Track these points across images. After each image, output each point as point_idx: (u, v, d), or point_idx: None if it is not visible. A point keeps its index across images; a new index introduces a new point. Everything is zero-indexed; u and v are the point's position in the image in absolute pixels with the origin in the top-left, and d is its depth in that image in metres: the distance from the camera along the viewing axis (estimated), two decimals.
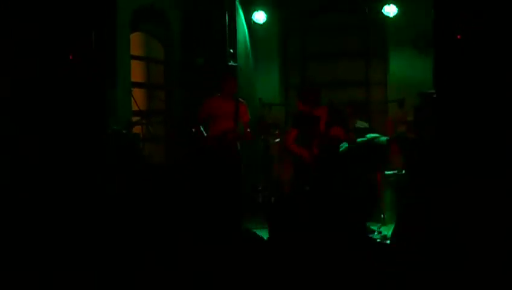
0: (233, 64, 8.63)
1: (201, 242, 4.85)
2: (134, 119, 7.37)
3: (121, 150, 6.41)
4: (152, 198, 6.46)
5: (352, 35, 9.96)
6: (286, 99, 10.14)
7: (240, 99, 6.90)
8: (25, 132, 5.74)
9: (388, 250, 4.56)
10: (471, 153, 6.12)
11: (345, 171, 6.74)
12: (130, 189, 6.28)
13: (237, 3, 9.00)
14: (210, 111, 6.70)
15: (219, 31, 8.52)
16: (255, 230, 5.42)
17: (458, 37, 6.27)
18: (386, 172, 7.62)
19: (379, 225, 7.15)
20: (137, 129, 7.39)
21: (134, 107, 7.28)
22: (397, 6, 9.09)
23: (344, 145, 6.78)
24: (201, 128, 6.74)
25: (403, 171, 7.51)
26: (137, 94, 7.69)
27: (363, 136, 7.24)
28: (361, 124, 7.81)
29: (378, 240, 6.25)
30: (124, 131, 6.66)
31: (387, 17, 9.27)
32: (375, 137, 7.35)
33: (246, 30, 9.59)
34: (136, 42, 8.08)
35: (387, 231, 6.60)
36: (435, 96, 7.36)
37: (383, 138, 7.38)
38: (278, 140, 8.30)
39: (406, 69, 9.24)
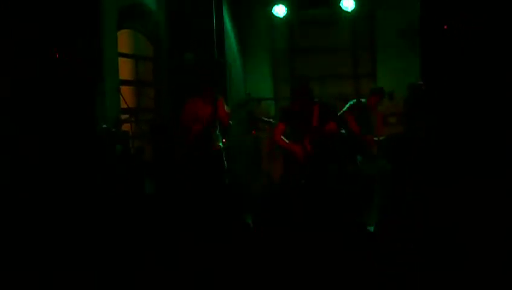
0: (222, 60, 8.62)
1: (196, 239, 4.86)
2: (123, 117, 7.34)
3: (111, 148, 6.41)
4: (145, 196, 6.48)
5: (340, 28, 9.96)
6: (275, 94, 10.14)
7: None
8: (25, 132, 5.76)
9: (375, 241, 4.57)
10: (465, 150, 6.14)
11: (341, 166, 6.75)
12: (125, 187, 6.29)
13: None
14: (192, 114, 6.64)
15: (207, 27, 8.51)
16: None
17: (445, 27, 6.29)
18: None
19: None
20: (126, 127, 7.36)
21: (123, 105, 7.25)
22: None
23: None
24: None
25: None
26: (126, 92, 7.66)
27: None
28: None
29: None
30: (113, 129, 6.64)
31: (376, 9, 9.29)
32: None
33: (233, 25, 9.59)
34: (124, 40, 8.05)
35: None
36: (424, 88, 7.38)
37: None
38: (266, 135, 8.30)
39: (394, 60, 9.24)
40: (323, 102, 6.57)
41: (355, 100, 7.31)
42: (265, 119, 8.37)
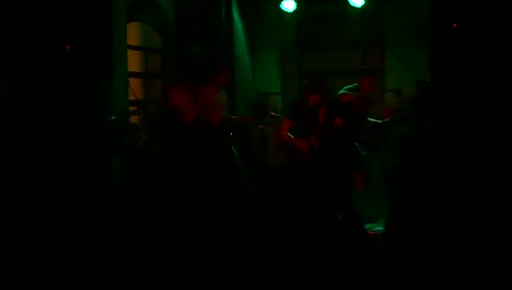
0: (231, 53, 8.62)
1: (196, 238, 4.86)
2: (132, 108, 7.37)
3: (119, 141, 6.42)
4: (152, 189, 6.46)
5: (350, 24, 9.92)
6: (283, 89, 10.12)
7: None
8: (25, 131, 5.75)
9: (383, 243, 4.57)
10: (469, 149, 6.11)
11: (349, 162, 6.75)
12: (131, 182, 6.28)
13: None
14: (203, 101, 6.67)
15: (216, 20, 8.51)
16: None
17: (454, 26, 6.26)
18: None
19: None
20: (134, 119, 7.39)
21: (131, 97, 7.27)
22: None
23: None
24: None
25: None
26: (134, 84, 7.68)
27: None
28: None
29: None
30: (121, 121, 6.66)
31: (385, 5, 9.25)
32: None
33: (242, 19, 9.57)
34: (132, 32, 8.07)
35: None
36: (431, 85, 7.36)
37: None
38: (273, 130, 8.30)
39: (404, 57, 9.21)
40: (331, 98, 6.59)
41: (344, 89, 7.24)
42: (273, 114, 8.37)
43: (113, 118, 6.51)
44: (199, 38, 8.41)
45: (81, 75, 6.01)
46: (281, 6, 9.34)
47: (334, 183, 6.06)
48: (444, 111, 6.36)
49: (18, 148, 5.70)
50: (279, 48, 10.20)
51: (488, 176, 6.03)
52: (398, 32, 9.37)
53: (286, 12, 9.49)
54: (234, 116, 7.50)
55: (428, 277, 3.95)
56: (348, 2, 9.06)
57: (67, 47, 5.99)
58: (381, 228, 6.44)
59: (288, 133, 6.33)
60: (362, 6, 9.19)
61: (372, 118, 7.57)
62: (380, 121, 7.60)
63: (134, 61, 8.10)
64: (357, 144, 7.18)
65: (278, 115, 8.28)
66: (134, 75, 7.98)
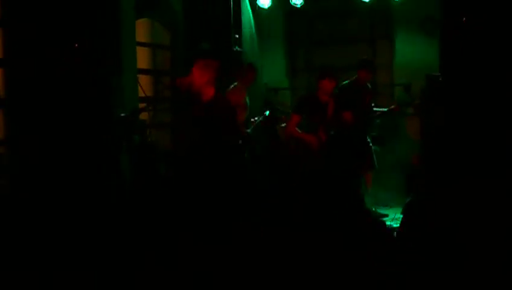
0: (239, 49, 8.62)
1: (196, 238, 4.85)
2: (141, 105, 7.38)
3: (129, 139, 6.42)
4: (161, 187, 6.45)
5: (358, 18, 9.91)
6: (292, 84, 10.12)
7: None
8: (25, 131, 5.74)
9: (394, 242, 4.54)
10: (475, 147, 6.08)
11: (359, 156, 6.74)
12: (141, 179, 6.28)
13: None
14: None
15: (224, 16, 8.50)
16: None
17: (464, 20, 6.23)
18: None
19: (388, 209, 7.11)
20: (143, 116, 7.40)
21: (141, 94, 7.29)
22: None
23: None
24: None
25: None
26: (144, 81, 7.70)
27: None
28: None
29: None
30: (131, 118, 6.67)
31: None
32: None
33: (251, 14, 9.55)
34: (141, 29, 8.08)
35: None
36: (441, 79, 7.33)
37: None
38: (284, 125, 8.29)
39: (413, 51, 9.19)
40: (339, 90, 6.57)
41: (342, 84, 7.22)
42: (282, 109, 8.38)
43: (122, 115, 6.52)
44: (207, 35, 8.40)
45: (90, 72, 6.01)
46: (289, 0, 9.32)
47: (342, 179, 6.04)
48: (453, 106, 6.32)
49: (18, 148, 5.70)
50: (288, 44, 10.20)
51: (491, 176, 5.99)
52: (407, 26, 9.34)
53: (294, 8, 9.45)
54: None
55: (428, 277, 3.94)
56: None
57: (76, 45, 5.99)
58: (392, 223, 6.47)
59: (297, 128, 6.32)
60: (370, 1, 9.17)
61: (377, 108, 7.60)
62: (386, 109, 7.60)
63: (143, 58, 8.12)
64: (368, 139, 7.17)
65: (286, 110, 8.28)
66: (143, 72, 8.00)
